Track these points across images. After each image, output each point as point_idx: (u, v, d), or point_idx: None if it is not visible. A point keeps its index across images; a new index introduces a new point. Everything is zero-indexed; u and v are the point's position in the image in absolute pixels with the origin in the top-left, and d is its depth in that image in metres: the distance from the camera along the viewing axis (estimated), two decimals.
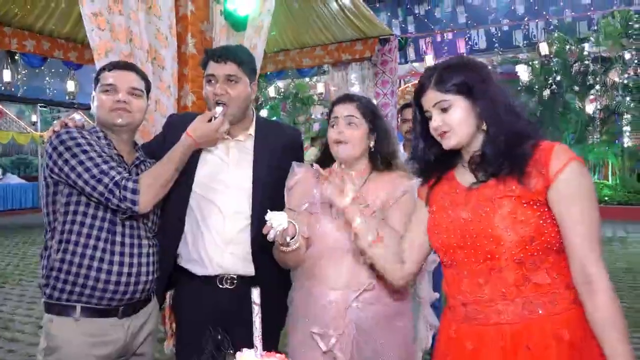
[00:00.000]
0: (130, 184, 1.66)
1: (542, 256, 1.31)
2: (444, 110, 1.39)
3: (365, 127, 1.85)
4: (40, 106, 15.61)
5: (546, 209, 1.30)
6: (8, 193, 14.64)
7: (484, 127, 1.38)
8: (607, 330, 1.24)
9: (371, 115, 1.86)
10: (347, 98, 1.90)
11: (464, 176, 1.46)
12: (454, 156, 1.48)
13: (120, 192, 1.64)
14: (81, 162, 1.65)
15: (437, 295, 2.06)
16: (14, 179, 15.32)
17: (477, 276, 1.36)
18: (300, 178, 1.90)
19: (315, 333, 1.77)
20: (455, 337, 1.41)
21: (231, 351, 1.30)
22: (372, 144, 1.87)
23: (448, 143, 1.41)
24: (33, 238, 10.06)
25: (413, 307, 1.94)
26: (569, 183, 1.28)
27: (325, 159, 1.90)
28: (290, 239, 1.71)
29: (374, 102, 8.09)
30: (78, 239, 1.71)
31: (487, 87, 1.37)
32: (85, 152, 1.67)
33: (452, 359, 1.42)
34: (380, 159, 1.86)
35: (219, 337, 1.65)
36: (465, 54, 12.98)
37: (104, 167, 1.66)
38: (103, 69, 1.84)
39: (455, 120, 1.38)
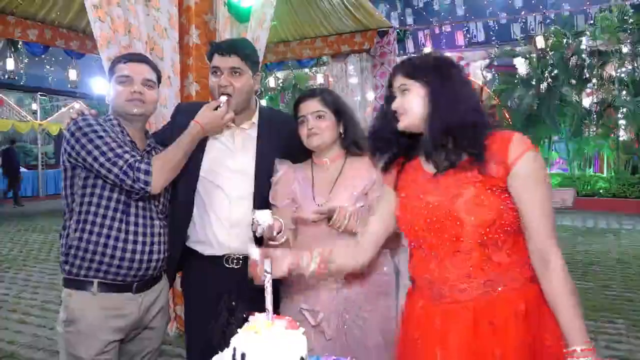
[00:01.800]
0: (143, 166, 1.77)
1: (503, 237, 1.41)
2: (404, 92, 1.49)
3: (332, 117, 1.97)
4: (41, 95, 15.65)
5: (506, 195, 1.40)
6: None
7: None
8: (562, 304, 1.36)
9: (335, 105, 1.99)
10: (310, 95, 2.02)
11: (427, 163, 1.53)
12: (417, 145, 1.56)
13: (134, 173, 1.76)
14: (97, 147, 1.76)
15: None
16: None
17: (443, 258, 1.45)
18: (283, 175, 2.02)
19: (304, 309, 1.90)
20: (424, 314, 1.51)
21: (244, 315, 1.40)
22: (341, 130, 2.00)
23: (400, 124, 1.51)
24: (34, 225, 10.18)
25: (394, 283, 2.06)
26: (526, 170, 1.37)
27: (302, 154, 2.04)
28: (277, 234, 1.84)
29: (372, 94, 8.18)
30: (94, 219, 1.82)
31: (442, 81, 1.45)
32: (100, 137, 1.78)
33: (421, 334, 1.51)
34: (351, 143, 1.99)
35: (233, 303, 1.77)
36: (463, 47, 13.08)
37: (119, 150, 1.77)
38: (118, 60, 1.94)
39: (409, 104, 1.48)
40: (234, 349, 1.04)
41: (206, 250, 2.07)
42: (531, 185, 1.38)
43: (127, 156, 1.77)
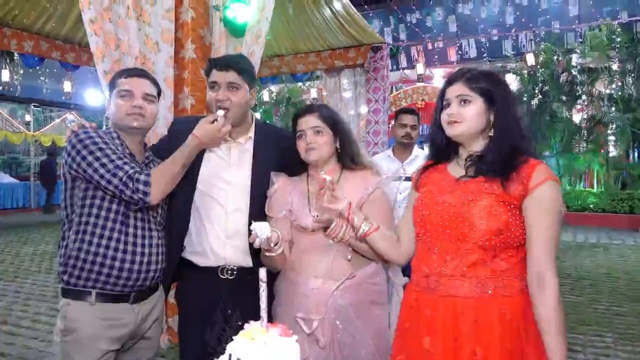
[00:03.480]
0: (142, 177, 1.82)
1: (503, 248, 1.52)
2: (464, 102, 1.59)
3: (330, 132, 2.04)
4: (34, 106, 15.62)
5: (518, 212, 1.52)
6: (0, 192, 14.63)
7: (490, 133, 1.60)
8: (550, 325, 1.46)
9: (332, 120, 2.06)
10: (309, 110, 2.08)
11: (455, 169, 1.67)
12: (450, 152, 1.69)
13: (133, 184, 1.80)
14: (97, 158, 1.80)
15: (406, 279, 2.23)
16: (5, 179, 15.31)
17: (445, 253, 1.57)
18: (279, 187, 2.08)
19: (299, 317, 1.94)
20: (416, 305, 1.63)
21: (239, 323, 1.44)
22: (337, 145, 2.06)
23: (454, 131, 1.60)
24: (25, 237, 10.11)
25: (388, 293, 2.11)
26: (542, 197, 1.49)
27: (297, 167, 2.10)
28: (274, 245, 1.90)
29: (365, 108, 8.28)
30: (94, 229, 1.86)
31: (507, 104, 1.59)
32: (101, 149, 1.82)
33: (411, 325, 1.64)
34: (347, 157, 2.07)
35: (229, 311, 1.80)
36: (455, 63, 13.22)
37: (119, 162, 1.82)
38: (119, 75, 2.00)
39: (469, 114, 1.58)
40: (230, 355, 1.07)
41: (202, 262, 2.11)
42: (544, 211, 1.50)
43: (126, 167, 1.82)
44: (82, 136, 1.85)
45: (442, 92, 1.66)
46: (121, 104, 1.93)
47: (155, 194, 1.84)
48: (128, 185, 1.80)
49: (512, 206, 1.51)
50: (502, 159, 1.54)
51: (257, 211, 2.08)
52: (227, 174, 2.14)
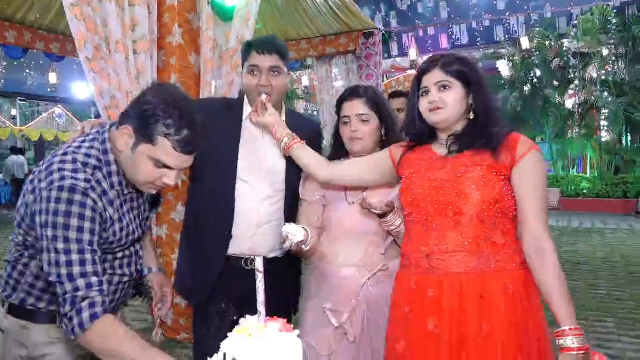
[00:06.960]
0: (88, 312, 1.30)
1: (501, 219, 1.54)
2: (444, 88, 1.59)
3: (376, 120, 1.93)
4: (20, 100, 15.37)
5: (508, 183, 1.55)
6: None
7: (470, 116, 1.61)
8: (556, 288, 1.48)
9: (379, 107, 1.95)
10: (355, 94, 1.96)
11: (440, 149, 1.67)
12: (429, 136, 1.70)
13: (75, 306, 1.30)
14: (67, 252, 1.32)
15: None
16: None
17: (445, 229, 1.56)
18: None
19: (328, 309, 1.84)
20: (416, 288, 1.59)
21: (235, 318, 1.32)
22: (383, 132, 1.96)
23: (437, 118, 1.61)
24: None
25: None
26: (529, 165, 1.54)
27: (337, 151, 2.02)
28: (303, 246, 1.82)
29: None
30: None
31: (482, 86, 1.62)
32: (80, 232, 1.33)
33: (412, 308, 1.59)
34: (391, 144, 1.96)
35: (223, 306, 1.69)
36: (448, 50, 13.12)
37: (88, 268, 1.34)
38: (163, 127, 1.37)
39: (451, 100, 1.59)
40: (224, 355, 0.96)
41: (229, 249, 2.00)
42: (533, 178, 1.54)
43: (90, 280, 1.33)
44: (66, 199, 1.33)
45: (419, 80, 1.65)
46: (150, 170, 1.43)
47: (86, 339, 1.31)
48: (72, 303, 1.30)
49: (503, 176, 1.54)
50: (484, 135, 1.57)
51: (292, 198, 2.01)
52: (261, 158, 2.04)
